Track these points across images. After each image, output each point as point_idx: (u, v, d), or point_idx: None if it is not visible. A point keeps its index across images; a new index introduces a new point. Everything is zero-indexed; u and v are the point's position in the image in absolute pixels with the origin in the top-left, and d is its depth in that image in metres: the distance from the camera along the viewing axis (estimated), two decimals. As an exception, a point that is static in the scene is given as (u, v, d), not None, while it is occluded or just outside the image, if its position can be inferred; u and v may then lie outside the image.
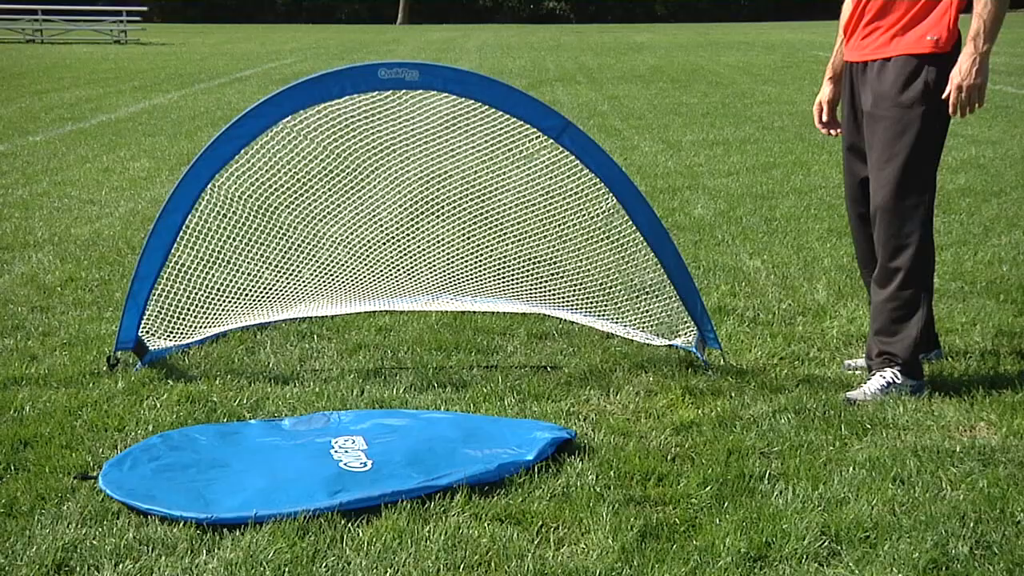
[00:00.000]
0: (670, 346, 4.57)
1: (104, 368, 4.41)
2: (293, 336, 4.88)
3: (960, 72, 3.86)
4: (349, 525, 3.10)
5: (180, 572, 2.89)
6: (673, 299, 4.46)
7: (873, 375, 4.14)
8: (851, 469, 3.46)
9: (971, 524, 3.10)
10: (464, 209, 4.93)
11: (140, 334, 4.42)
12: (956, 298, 5.42)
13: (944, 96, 3.92)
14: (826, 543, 3.01)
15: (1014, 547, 2.99)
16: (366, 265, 4.97)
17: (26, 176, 9.37)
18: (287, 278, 4.97)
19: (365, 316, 5.14)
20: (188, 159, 10.43)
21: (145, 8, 44.24)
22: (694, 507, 3.23)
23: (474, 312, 5.17)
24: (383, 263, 4.99)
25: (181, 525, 3.10)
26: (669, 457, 3.59)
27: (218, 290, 4.79)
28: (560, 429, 3.72)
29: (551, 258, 5.02)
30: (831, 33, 4.27)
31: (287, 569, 2.89)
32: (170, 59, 26.96)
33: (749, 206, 7.92)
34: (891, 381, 4.08)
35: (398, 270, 5.02)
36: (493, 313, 5.17)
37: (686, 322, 4.47)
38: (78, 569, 2.90)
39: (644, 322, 4.70)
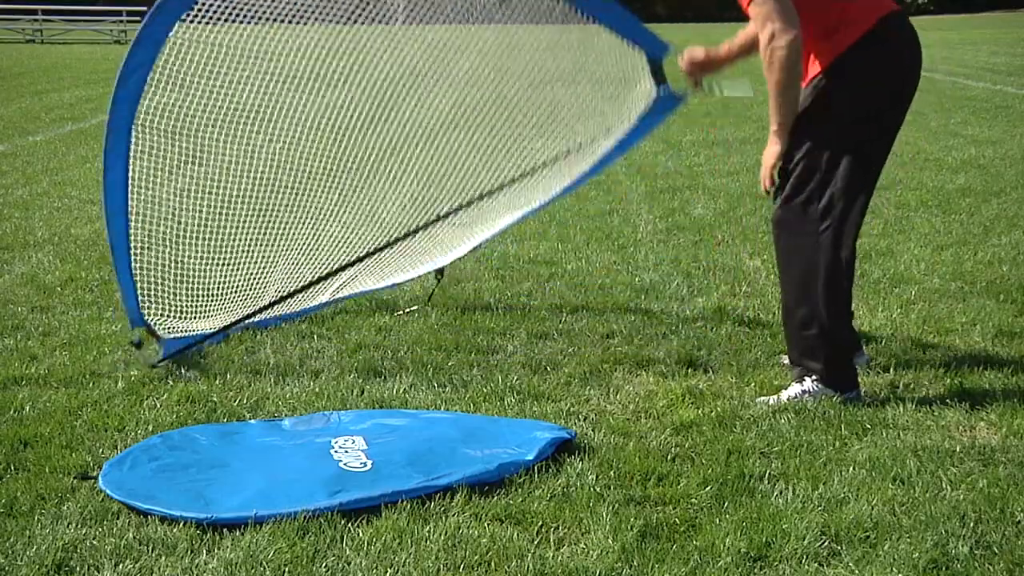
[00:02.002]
0: (652, 116, 4.60)
1: (104, 368, 4.41)
2: (293, 336, 4.88)
3: (765, 151, 3.99)
4: (349, 525, 3.10)
5: (180, 572, 2.89)
6: (620, 42, 4.48)
7: (792, 383, 4.12)
8: (851, 469, 3.46)
9: (971, 524, 3.09)
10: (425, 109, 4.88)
11: (145, 316, 4.42)
12: (956, 298, 5.42)
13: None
14: (826, 543, 3.01)
15: (1014, 547, 2.98)
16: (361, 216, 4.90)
17: (26, 176, 9.38)
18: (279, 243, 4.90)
19: (365, 316, 5.15)
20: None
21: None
22: (694, 507, 3.23)
23: (474, 312, 5.17)
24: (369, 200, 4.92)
25: (181, 525, 3.10)
26: (669, 457, 3.59)
27: (202, 259, 4.72)
28: (560, 429, 3.72)
29: (518, 106, 4.93)
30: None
31: (287, 569, 2.89)
32: (170, 59, 26.91)
33: (749, 206, 7.92)
34: (807, 390, 4.04)
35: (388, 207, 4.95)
36: (493, 313, 5.17)
37: (641, 66, 4.51)
38: (78, 569, 2.89)
39: (617, 109, 4.68)
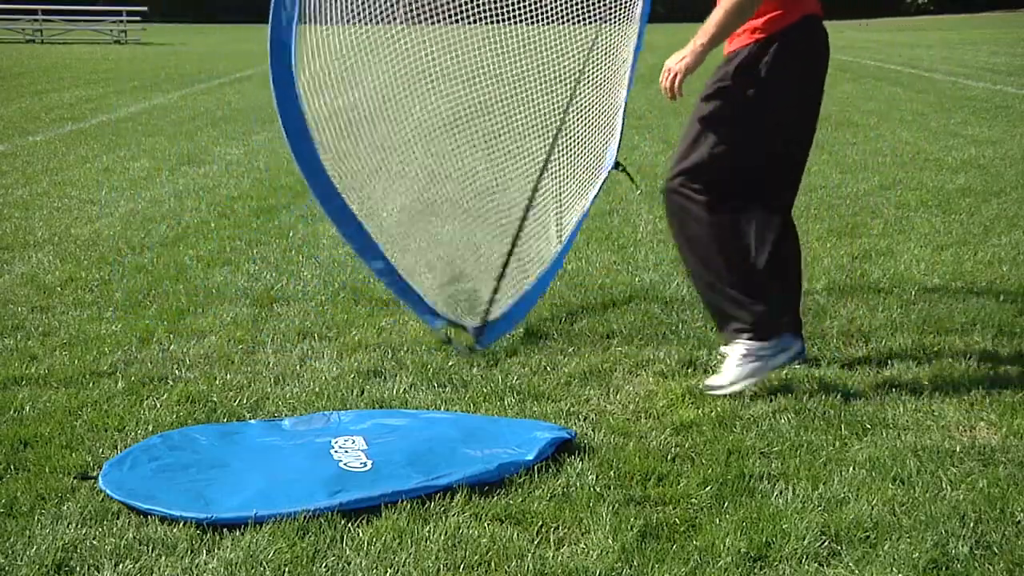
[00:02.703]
0: None
1: (104, 368, 4.41)
2: (293, 336, 4.88)
3: (673, 57, 4.13)
4: (349, 525, 3.11)
5: (180, 572, 2.89)
6: None
7: (728, 355, 4.17)
8: (851, 469, 3.47)
9: (971, 524, 3.10)
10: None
11: (437, 311, 4.53)
12: (956, 298, 5.42)
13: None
14: (826, 543, 3.01)
15: (1014, 547, 2.99)
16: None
17: (26, 176, 9.38)
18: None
19: (365, 316, 5.15)
20: (188, 159, 10.44)
21: (145, 8, 44.29)
22: (694, 507, 3.23)
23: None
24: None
25: (181, 525, 3.10)
26: (669, 457, 3.59)
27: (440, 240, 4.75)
28: (560, 429, 3.72)
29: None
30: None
31: (287, 569, 2.90)
32: (170, 59, 26.97)
33: (749, 206, 7.91)
34: (744, 353, 4.09)
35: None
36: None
37: None
38: (78, 569, 2.90)
39: None
